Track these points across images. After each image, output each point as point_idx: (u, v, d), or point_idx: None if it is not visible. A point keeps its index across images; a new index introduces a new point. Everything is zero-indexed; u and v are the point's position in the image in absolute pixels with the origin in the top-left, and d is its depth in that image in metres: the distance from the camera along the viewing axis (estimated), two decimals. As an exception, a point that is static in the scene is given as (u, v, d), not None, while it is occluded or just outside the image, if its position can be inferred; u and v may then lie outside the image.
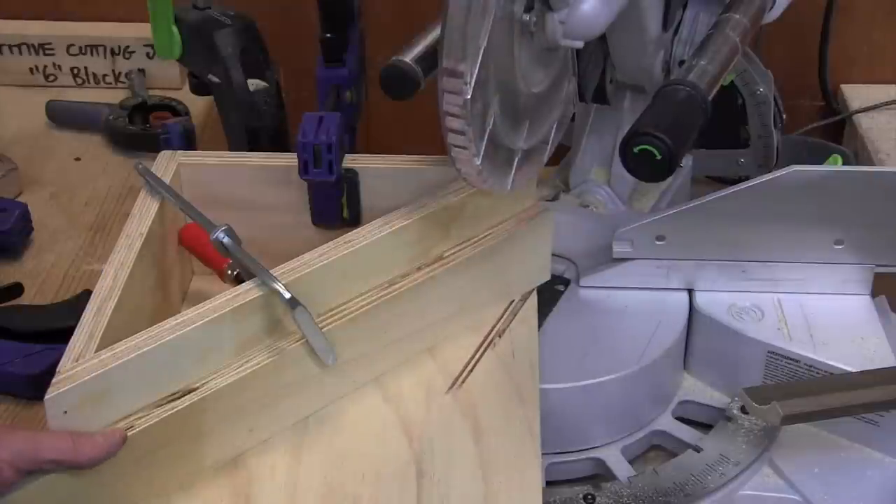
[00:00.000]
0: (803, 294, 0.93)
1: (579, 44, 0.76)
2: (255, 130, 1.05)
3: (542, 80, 0.79)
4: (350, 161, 0.94)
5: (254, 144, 1.05)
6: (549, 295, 0.93)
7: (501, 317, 0.88)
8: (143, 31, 1.26)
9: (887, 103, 1.33)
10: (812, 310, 0.92)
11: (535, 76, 0.78)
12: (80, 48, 1.35)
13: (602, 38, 0.92)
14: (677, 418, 0.91)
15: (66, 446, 0.66)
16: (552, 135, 0.84)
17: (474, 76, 0.67)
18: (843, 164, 1.21)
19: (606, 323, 0.91)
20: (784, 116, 1.16)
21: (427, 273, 0.83)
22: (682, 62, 0.81)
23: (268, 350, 0.75)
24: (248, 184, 0.94)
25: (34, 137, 1.28)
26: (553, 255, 0.92)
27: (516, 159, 0.78)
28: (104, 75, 1.36)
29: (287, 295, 0.74)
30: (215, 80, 1.06)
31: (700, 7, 0.91)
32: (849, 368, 0.85)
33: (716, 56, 0.78)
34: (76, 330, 0.73)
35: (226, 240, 0.82)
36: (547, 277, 0.92)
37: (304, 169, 0.91)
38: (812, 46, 1.36)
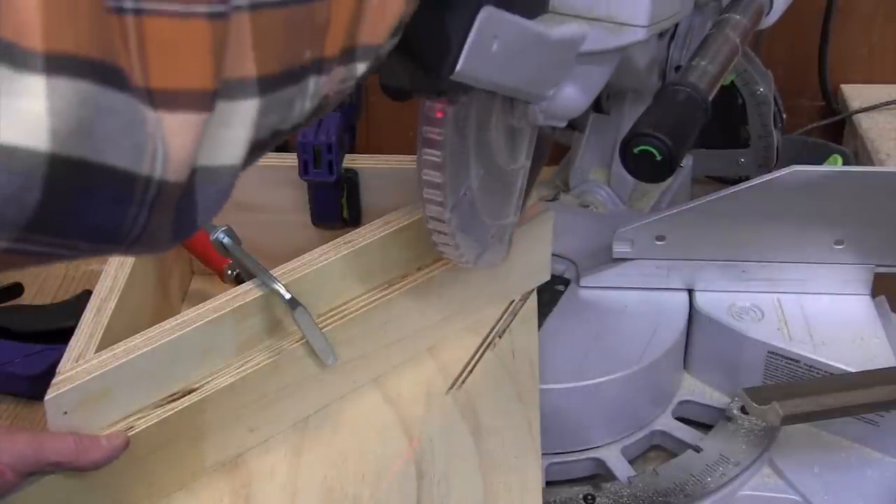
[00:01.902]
0: (803, 294, 0.93)
1: (562, 123, 0.75)
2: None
3: (515, 157, 0.78)
4: (350, 161, 0.94)
5: (254, 144, 1.05)
6: (549, 295, 0.93)
7: (501, 317, 0.88)
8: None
9: (887, 103, 1.33)
10: (812, 310, 0.92)
11: (509, 153, 0.77)
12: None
13: None
14: (677, 418, 0.91)
15: (69, 449, 0.65)
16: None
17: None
18: (843, 164, 1.21)
19: (606, 323, 0.91)
20: (784, 116, 1.16)
21: (427, 273, 0.83)
22: (678, 67, 0.80)
23: (268, 350, 0.75)
24: (248, 184, 0.93)
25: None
26: (553, 255, 0.92)
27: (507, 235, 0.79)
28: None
29: (287, 295, 0.74)
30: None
31: (695, 13, 0.91)
32: (849, 368, 0.85)
33: (716, 56, 0.78)
34: (76, 330, 0.74)
35: (226, 240, 0.83)
36: (547, 277, 0.92)
37: (304, 169, 0.91)
38: (812, 46, 1.36)
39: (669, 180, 1.08)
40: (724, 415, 0.88)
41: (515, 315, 0.88)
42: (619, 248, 0.93)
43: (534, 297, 0.90)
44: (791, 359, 0.87)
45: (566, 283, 0.96)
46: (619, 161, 0.70)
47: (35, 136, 0.34)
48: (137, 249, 0.41)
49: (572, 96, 0.72)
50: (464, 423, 0.78)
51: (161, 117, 0.38)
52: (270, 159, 0.96)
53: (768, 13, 0.89)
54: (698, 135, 0.72)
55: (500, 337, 0.86)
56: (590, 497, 0.81)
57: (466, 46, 0.58)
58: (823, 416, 0.82)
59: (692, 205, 0.90)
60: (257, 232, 0.89)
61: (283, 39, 0.42)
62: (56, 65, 0.34)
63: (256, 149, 0.43)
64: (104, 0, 0.36)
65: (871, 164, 1.23)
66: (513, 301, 0.89)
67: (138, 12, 0.37)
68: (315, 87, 0.44)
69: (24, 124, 0.34)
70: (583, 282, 0.95)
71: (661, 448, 0.91)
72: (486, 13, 0.59)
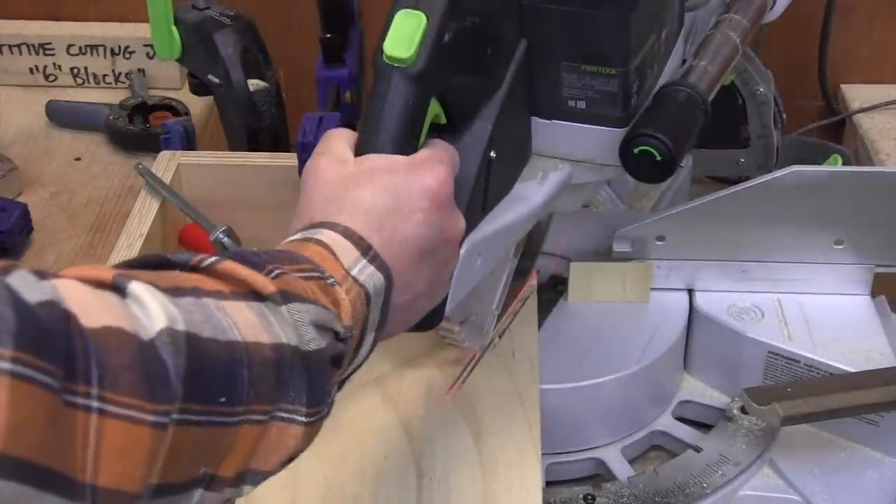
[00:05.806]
0: (803, 294, 0.93)
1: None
2: (254, 130, 1.05)
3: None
4: (350, 161, 0.94)
5: (254, 144, 1.05)
6: (550, 295, 0.93)
7: (501, 317, 0.87)
8: (143, 31, 1.25)
9: (887, 103, 1.33)
10: (812, 310, 0.92)
11: None
12: (80, 48, 1.34)
13: None
14: (677, 418, 0.91)
15: None
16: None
17: None
18: (843, 164, 1.21)
19: (607, 323, 0.91)
20: (784, 116, 1.16)
21: (427, 273, 0.82)
22: (683, 61, 0.81)
23: (268, 350, 0.75)
24: (248, 184, 0.94)
25: (34, 137, 1.28)
26: (553, 254, 0.92)
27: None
28: (104, 75, 1.36)
29: (287, 295, 0.74)
30: (215, 80, 1.05)
31: (700, 9, 0.91)
32: (849, 368, 0.85)
33: (716, 56, 0.78)
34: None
35: (226, 240, 0.83)
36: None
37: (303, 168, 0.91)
38: (812, 46, 1.36)
39: (669, 180, 1.08)
40: (724, 415, 0.88)
41: (515, 315, 0.88)
42: (619, 248, 0.93)
43: (534, 297, 0.90)
44: (791, 359, 0.87)
45: (566, 283, 0.95)
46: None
47: None
48: None
49: (566, 205, 0.76)
50: (464, 423, 0.78)
51: None
52: (270, 159, 0.96)
53: (772, 8, 0.89)
54: (698, 135, 0.72)
55: (500, 337, 0.86)
56: (590, 497, 0.81)
57: (450, 296, 0.61)
58: (823, 417, 0.82)
59: (692, 205, 0.90)
60: (257, 232, 0.89)
61: (189, 456, 0.43)
62: (5, 468, 0.35)
63: None
64: (69, 396, 0.37)
65: (871, 164, 1.23)
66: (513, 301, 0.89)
67: (102, 413, 0.39)
68: (199, 499, 0.46)
69: None
70: (583, 282, 0.95)
71: (661, 448, 0.91)
72: (465, 250, 0.61)
